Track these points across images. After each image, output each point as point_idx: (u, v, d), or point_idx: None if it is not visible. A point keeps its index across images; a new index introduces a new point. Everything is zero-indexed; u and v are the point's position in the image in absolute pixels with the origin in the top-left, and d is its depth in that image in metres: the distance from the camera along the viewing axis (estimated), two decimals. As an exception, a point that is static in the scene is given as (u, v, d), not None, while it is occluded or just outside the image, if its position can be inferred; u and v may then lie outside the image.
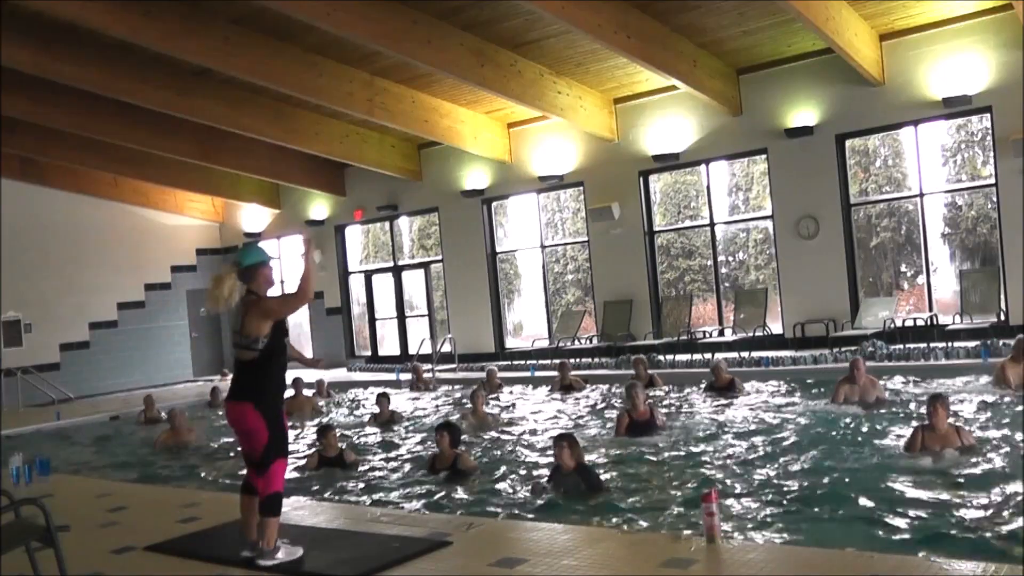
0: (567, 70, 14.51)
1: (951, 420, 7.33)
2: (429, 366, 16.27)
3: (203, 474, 9.47)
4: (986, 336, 12.15)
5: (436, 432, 8.11)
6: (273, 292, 5.39)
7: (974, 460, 6.90)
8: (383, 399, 12.01)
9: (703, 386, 11.67)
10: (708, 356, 13.98)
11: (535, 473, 7.88)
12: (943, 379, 10.89)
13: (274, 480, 5.20)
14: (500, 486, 7.52)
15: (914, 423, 8.61)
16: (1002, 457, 7.01)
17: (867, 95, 13.54)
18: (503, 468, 8.21)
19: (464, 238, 18.31)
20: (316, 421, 12.19)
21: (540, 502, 6.79)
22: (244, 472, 5.57)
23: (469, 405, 11.08)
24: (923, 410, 9.12)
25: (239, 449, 5.52)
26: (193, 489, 8.38)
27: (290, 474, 8.59)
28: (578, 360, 15.44)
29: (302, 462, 8.95)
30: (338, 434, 9.33)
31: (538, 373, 14.47)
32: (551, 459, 8.44)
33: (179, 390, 19.11)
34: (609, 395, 12.26)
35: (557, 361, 13.81)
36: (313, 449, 9.25)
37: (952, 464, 6.79)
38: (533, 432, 10.10)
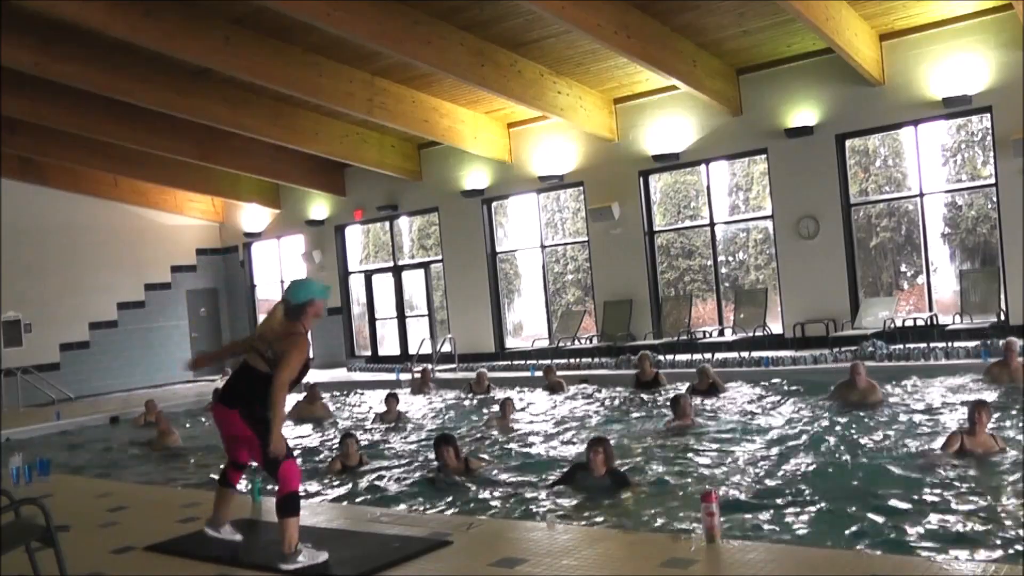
0: (567, 70, 14.51)
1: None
2: (428, 366, 16.27)
3: (189, 475, 9.49)
4: (986, 336, 12.14)
5: (438, 448, 7.83)
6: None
7: (992, 463, 6.87)
8: (392, 399, 12.01)
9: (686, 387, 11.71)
10: (708, 356, 14.00)
11: (540, 472, 7.89)
12: (943, 377, 10.92)
13: (288, 481, 5.08)
14: (501, 486, 7.51)
15: (917, 420, 8.65)
16: (1001, 456, 7.01)
17: (867, 95, 13.54)
18: (505, 468, 8.21)
19: (464, 238, 18.31)
20: (329, 427, 12.16)
21: (551, 503, 6.80)
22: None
23: (497, 410, 11.03)
24: (924, 412, 9.21)
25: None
26: (193, 489, 8.37)
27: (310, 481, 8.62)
28: (578, 360, 15.47)
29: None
30: (358, 442, 9.17)
31: (538, 373, 14.45)
32: (555, 458, 8.49)
33: (179, 390, 19.11)
34: (600, 396, 12.30)
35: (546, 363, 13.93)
36: (335, 455, 9.16)
37: (973, 467, 6.75)
38: (537, 432, 10.11)
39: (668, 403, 10.08)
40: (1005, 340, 10.32)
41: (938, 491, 6.24)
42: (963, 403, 9.20)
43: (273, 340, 5.22)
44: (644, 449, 8.53)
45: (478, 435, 10.20)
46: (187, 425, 13.72)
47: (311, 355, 5.40)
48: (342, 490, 8.05)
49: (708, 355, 14.10)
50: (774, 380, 12.04)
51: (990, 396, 9.47)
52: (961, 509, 5.83)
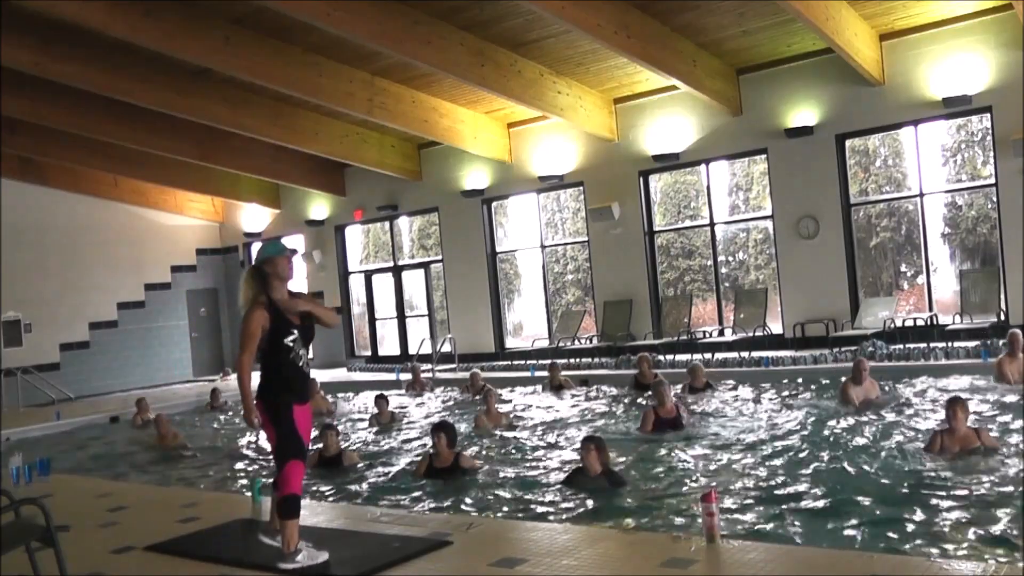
0: (567, 70, 14.51)
1: (970, 422, 7.29)
2: (428, 366, 16.27)
3: (191, 476, 9.49)
4: (986, 336, 12.15)
5: (432, 433, 7.95)
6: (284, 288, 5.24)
7: (990, 461, 6.86)
8: (381, 400, 12.01)
9: (679, 388, 11.65)
10: (708, 356, 14.00)
11: (539, 472, 7.89)
12: (944, 377, 10.90)
13: (289, 482, 5.06)
14: (500, 486, 7.51)
15: (917, 420, 8.65)
16: (1002, 456, 7.01)
17: (867, 95, 13.54)
18: (504, 467, 8.21)
19: (464, 238, 18.31)
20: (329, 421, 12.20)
21: (552, 503, 6.79)
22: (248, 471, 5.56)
23: (483, 406, 11.07)
24: (926, 409, 9.20)
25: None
26: (193, 489, 8.38)
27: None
28: (578, 360, 15.46)
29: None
30: (339, 434, 9.31)
31: (538, 373, 14.46)
32: (554, 457, 8.50)
33: (179, 390, 19.10)
34: (603, 394, 12.28)
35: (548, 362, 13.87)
36: (314, 448, 9.23)
37: (972, 467, 6.74)
38: (536, 431, 10.11)
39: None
40: (1010, 333, 10.25)
41: (934, 490, 6.23)
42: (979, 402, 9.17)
43: None
44: (643, 450, 8.52)
45: (471, 433, 10.22)
46: (195, 424, 13.76)
47: (292, 337, 5.26)
48: (339, 489, 8.05)
49: (708, 355, 14.10)
50: (774, 380, 12.03)
51: (1011, 397, 9.38)
52: (957, 507, 5.82)
